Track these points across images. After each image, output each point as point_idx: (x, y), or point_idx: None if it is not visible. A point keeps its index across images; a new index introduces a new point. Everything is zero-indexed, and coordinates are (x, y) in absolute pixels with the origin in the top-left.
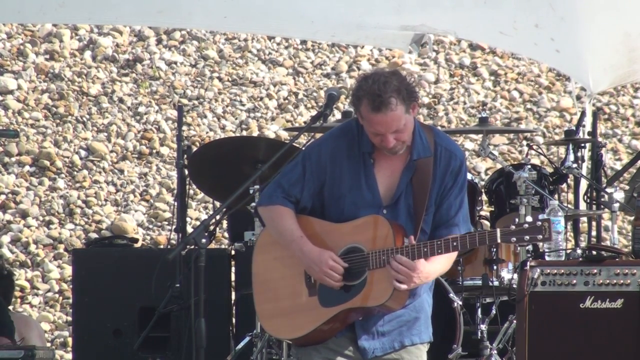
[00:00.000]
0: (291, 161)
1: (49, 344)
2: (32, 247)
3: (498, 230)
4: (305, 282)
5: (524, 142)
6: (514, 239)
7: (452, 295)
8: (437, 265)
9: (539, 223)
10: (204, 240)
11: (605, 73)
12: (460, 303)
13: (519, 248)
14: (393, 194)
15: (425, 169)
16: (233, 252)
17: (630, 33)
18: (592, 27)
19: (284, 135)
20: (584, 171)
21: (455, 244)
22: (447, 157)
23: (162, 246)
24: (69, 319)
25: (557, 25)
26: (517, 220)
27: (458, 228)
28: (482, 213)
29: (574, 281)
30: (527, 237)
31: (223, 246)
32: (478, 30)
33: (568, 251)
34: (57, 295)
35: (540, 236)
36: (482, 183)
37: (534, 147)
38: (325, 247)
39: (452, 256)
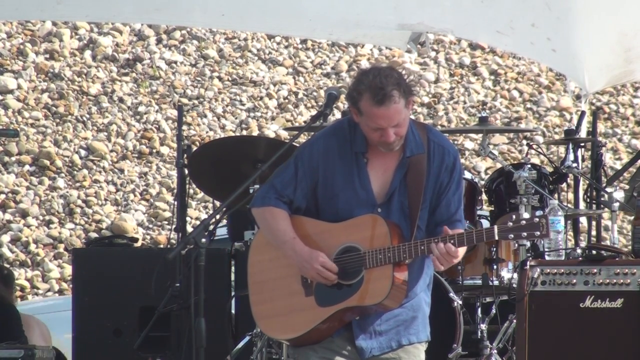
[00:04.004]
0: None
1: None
2: (32, 247)
3: (496, 227)
4: (302, 282)
5: (524, 142)
6: (512, 235)
7: (452, 294)
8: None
9: (537, 219)
10: (203, 240)
11: (601, 73)
12: (460, 302)
13: (517, 245)
14: (386, 192)
15: (419, 166)
16: (233, 252)
17: (626, 33)
18: (588, 26)
19: (284, 134)
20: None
21: (452, 241)
22: (440, 153)
23: (162, 246)
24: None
25: (553, 25)
26: (514, 217)
27: (461, 223)
28: (482, 212)
29: (574, 281)
30: (525, 234)
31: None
32: (475, 29)
33: (568, 251)
34: (57, 295)
35: (538, 232)
36: (482, 182)
37: (534, 146)
38: (320, 247)
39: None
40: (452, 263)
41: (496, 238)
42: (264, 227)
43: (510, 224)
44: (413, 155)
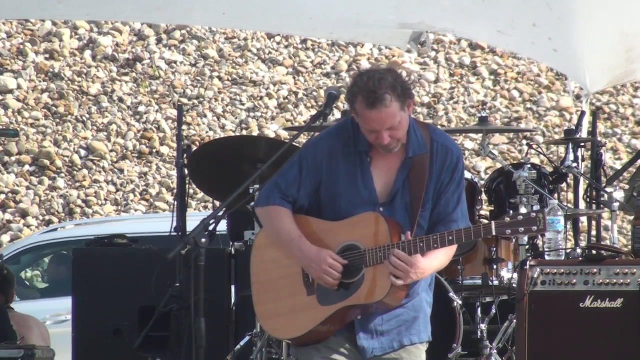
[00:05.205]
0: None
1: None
2: None
3: (493, 223)
4: (304, 282)
5: (524, 142)
6: (509, 231)
7: (452, 294)
8: (435, 261)
9: (534, 214)
10: (203, 240)
11: (603, 73)
12: (460, 302)
13: (514, 242)
14: (389, 192)
15: (422, 166)
16: (233, 252)
17: (627, 33)
18: (590, 27)
19: (284, 134)
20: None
21: (450, 238)
22: (443, 153)
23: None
24: None
25: (554, 25)
26: (511, 212)
27: (457, 224)
28: (482, 212)
29: (574, 281)
30: (522, 229)
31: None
32: (476, 29)
33: (568, 251)
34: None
35: (535, 227)
36: (482, 182)
37: (534, 146)
38: (322, 245)
39: (449, 252)
40: (409, 277)
41: (494, 234)
42: (269, 226)
43: (508, 219)
44: (415, 155)
